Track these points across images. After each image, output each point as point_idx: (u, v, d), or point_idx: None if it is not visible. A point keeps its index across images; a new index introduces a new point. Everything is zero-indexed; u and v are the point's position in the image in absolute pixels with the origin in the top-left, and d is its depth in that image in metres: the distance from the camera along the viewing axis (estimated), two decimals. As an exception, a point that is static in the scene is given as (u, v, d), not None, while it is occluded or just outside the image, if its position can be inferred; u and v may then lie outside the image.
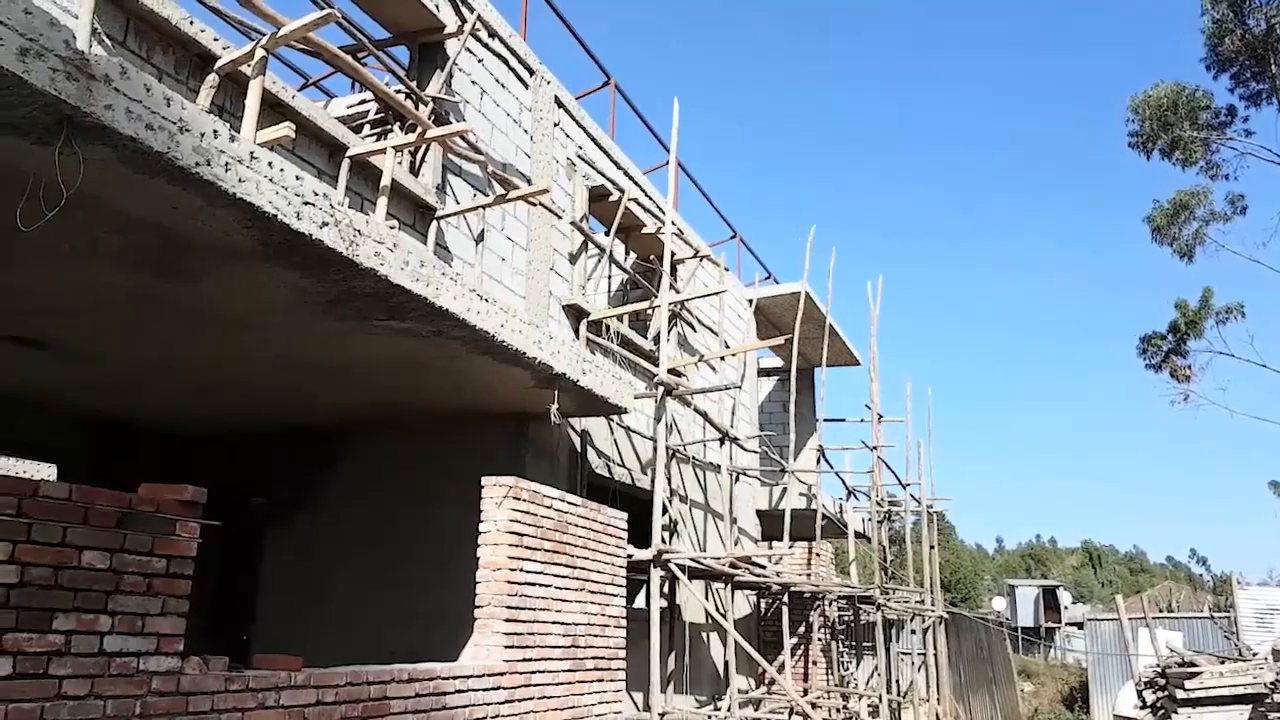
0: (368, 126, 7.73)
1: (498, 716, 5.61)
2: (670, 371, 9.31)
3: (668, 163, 10.06)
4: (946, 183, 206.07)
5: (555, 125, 9.19)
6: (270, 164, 4.01)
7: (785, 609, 11.96)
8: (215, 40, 5.50)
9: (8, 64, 2.93)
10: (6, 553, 3.22)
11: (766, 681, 12.40)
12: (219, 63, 5.39)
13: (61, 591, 3.36)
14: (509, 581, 5.92)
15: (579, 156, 9.57)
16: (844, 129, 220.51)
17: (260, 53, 5.22)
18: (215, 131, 3.72)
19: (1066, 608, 44.52)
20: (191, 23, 5.36)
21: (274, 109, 5.83)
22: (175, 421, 8.22)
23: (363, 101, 7.99)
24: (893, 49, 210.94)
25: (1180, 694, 16.50)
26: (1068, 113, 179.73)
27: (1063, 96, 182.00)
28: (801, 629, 13.13)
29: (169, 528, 3.75)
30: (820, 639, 13.48)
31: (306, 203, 4.20)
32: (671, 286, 10.47)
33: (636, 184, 10.76)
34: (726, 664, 10.44)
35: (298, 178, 4.17)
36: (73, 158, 3.35)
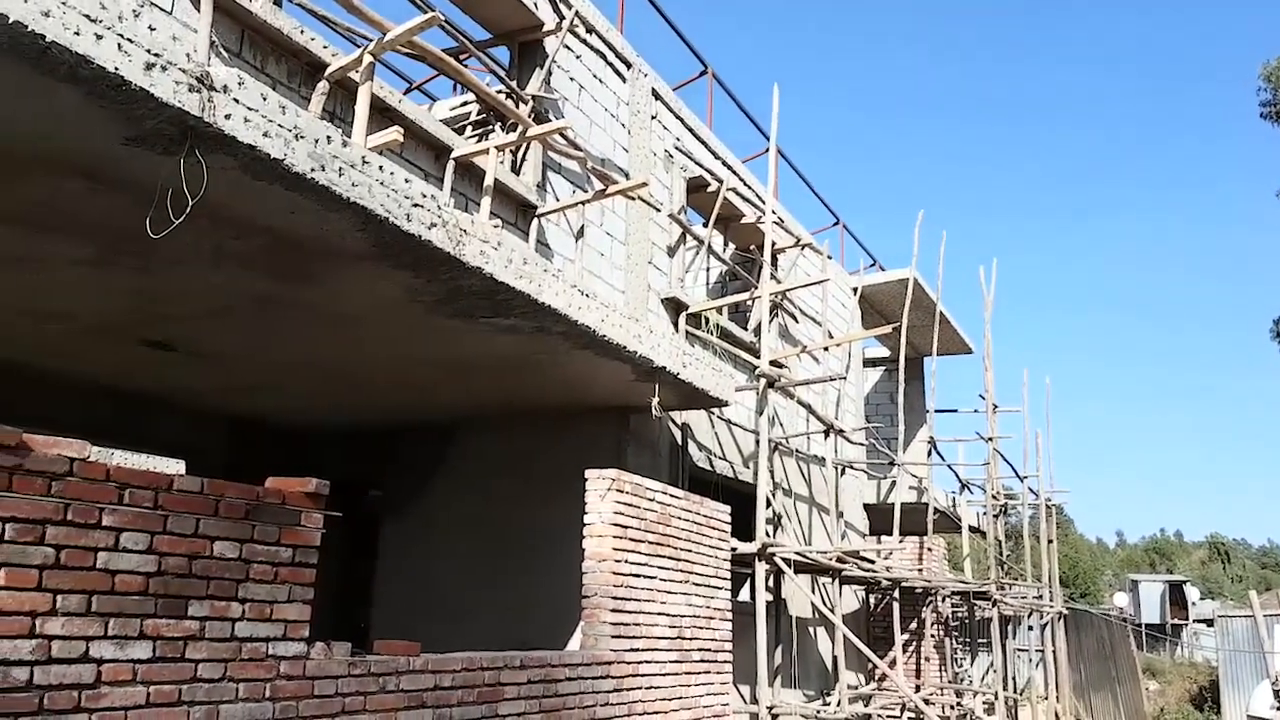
0: (470, 127, 7.89)
1: (606, 704, 5.66)
2: (772, 363, 9.21)
3: (767, 150, 9.96)
4: (1062, 161, 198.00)
5: (652, 118, 9.19)
6: (381, 168, 4.12)
7: (896, 604, 11.72)
8: (325, 48, 5.68)
9: (134, 78, 3.09)
10: (145, 543, 3.40)
11: (877, 677, 12.18)
12: (329, 70, 5.57)
13: (196, 580, 3.54)
14: (614, 573, 5.97)
15: (676, 148, 9.55)
16: (951, 107, 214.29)
17: (368, 59, 5.38)
18: (329, 137, 3.85)
19: (1194, 604, 42.35)
20: (302, 31, 5.55)
21: (382, 114, 6.00)
22: (297, 418, 8.56)
23: (465, 103, 8.15)
24: (998, 20, 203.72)
25: (1325, 696, 15.51)
26: (1192, 84, 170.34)
27: (1187, 67, 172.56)
28: (913, 625, 12.84)
29: (294, 519, 3.91)
30: (933, 635, 13.16)
31: (416, 205, 4.31)
32: (772, 276, 10.36)
33: (735, 173, 10.68)
34: (835, 659, 10.30)
35: (407, 180, 4.28)
36: (196, 167, 3.52)
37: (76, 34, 2.91)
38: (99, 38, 2.98)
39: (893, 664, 11.39)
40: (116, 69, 3.03)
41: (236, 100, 3.44)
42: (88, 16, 2.95)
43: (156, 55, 3.15)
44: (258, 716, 3.69)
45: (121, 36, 3.04)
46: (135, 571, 3.36)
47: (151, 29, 3.15)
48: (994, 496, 14.91)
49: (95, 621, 3.23)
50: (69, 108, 3.20)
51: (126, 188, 3.82)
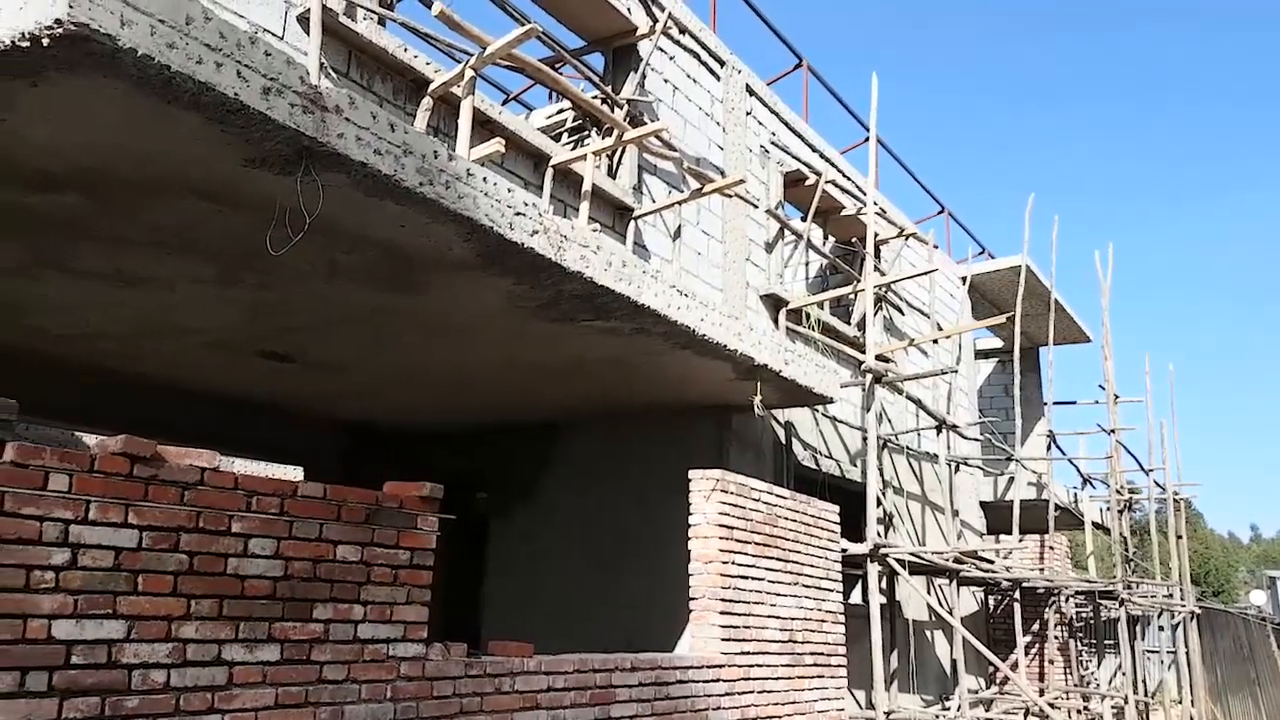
0: (566, 134, 7.97)
1: (719, 709, 5.62)
2: (878, 358, 9.02)
3: (866, 140, 9.76)
4: (1178, 140, 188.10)
5: (747, 114, 9.11)
6: (484, 179, 4.20)
7: (1017, 605, 11.31)
8: (427, 65, 5.83)
9: (253, 103, 3.21)
10: (272, 549, 3.54)
11: (998, 681, 11.80)
12: (432, 86, 5.71)
13: (320, 583, 3.66)
14: (721, 574, 5.92)
15: (772, 143, 9.45)
16: (1059, 87, 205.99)
17: (469, 73, 5.49)
18: (435, 152, 3.94)
19: (1342, 602, 39.64)
20: (405, 50, 5.70)
21: (483, 126, 6.11)
22: (405, 422, 8.80)
23: (560, 110, 8.25)
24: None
25: None
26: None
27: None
28: (1036, 626, 12.38)
29: (411, 522, 4.01)
30: (1057, 637, 12.66)
31: (518, 213, 4.38)
32: (875, 268, 10.14)
33: (834, 165, 10.50)
34: (954, 662, 10.01)
35: (509, 190, 4.35)
36: (312, 185, 3.64)
37: (199, 63, 3.05)
38: (219, 65, 3.11)
39: (1014, 667, 11.00)
40: (236, 94, 3.16)
41: (348, 120, 3.55)
42: (208, 46, 3.08)
43: (272, 79, 3.28)
44: (380, 717, 3.79)
45: (240, 63, 3.17)
46: (263, 576, 3.49)
47: (267, 55, 3.28)
48: (1118, 491, 14.25)
49: (226, 625, 3.37)
50: (192, 133, 3.35)
51: (246, 208, 3.98)
